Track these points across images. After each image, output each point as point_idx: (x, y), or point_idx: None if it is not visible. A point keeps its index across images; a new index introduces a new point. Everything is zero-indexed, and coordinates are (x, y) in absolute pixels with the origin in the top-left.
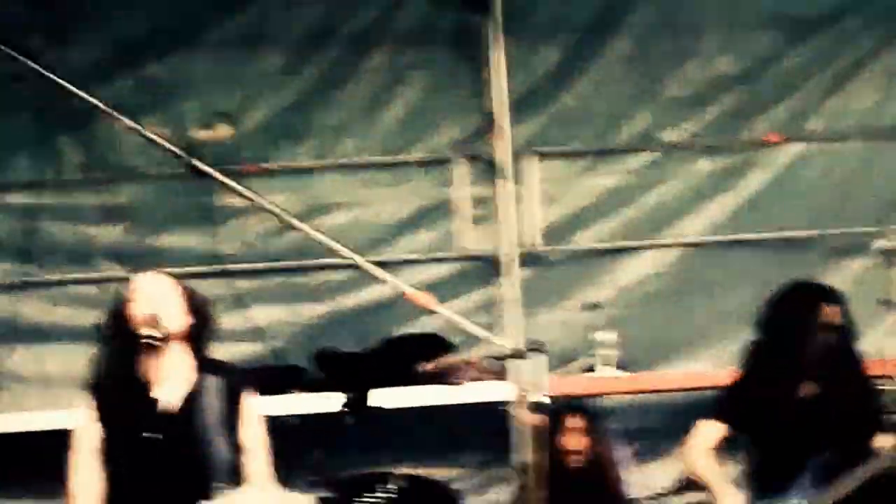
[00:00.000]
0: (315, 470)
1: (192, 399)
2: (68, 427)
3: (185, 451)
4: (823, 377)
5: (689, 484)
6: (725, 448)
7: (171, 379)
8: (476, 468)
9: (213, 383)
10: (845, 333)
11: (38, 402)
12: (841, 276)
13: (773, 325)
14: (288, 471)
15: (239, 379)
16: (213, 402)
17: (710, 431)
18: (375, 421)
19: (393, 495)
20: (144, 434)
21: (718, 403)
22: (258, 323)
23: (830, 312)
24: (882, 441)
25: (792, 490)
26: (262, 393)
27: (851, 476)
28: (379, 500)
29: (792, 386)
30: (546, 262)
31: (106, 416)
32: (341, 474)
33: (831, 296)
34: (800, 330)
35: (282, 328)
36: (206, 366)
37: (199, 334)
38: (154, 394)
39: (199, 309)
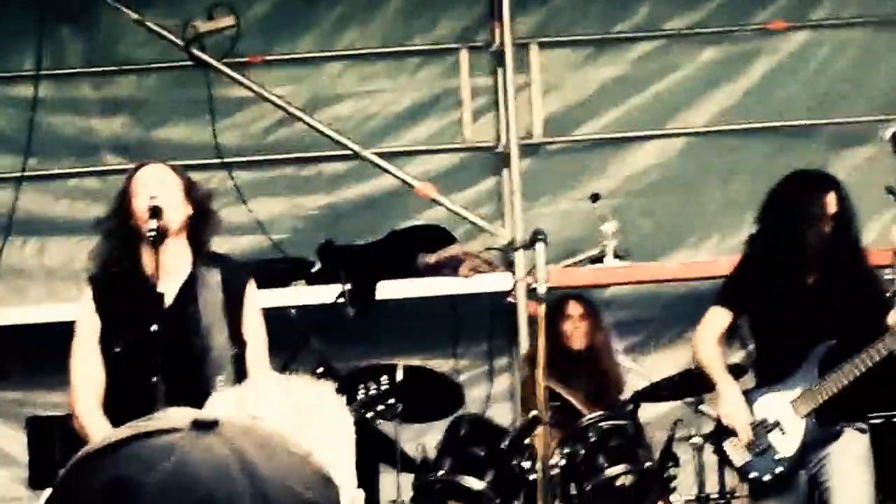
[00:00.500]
0: (317, 362)
1: (191, 291)
2: (70, 319)
3: (184, 341)
4: (826, 266)
5: (685, 378)
6: (732, 333)
7: (171, 271)
8: (478, 359)
9: (213, 275)
10: (847, 223)
11: (40, 295)
12: (847, 164)
13: (774, 213)
14: (290, 363)
15: (238, 271)
16: (212, 294)
17: (717, 318)
18: (378, 313)
19: (394, 387)
20: (145, 326)
21: (724, 289)
22: (261, 216)
23: (830, 201)
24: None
25: (797, 377)
26: (265, 285)
27: (854, 363)
28: (380, 392)
29: (794, 273)
30: (549, 153)
31: (106, 307)
32: (343, 367)
33: (831, 184)
34: (800, 218)
35: (284, 221)
36: (206, 258)
37: (199, 227)
38: (154, 286)
39: (200, 201)
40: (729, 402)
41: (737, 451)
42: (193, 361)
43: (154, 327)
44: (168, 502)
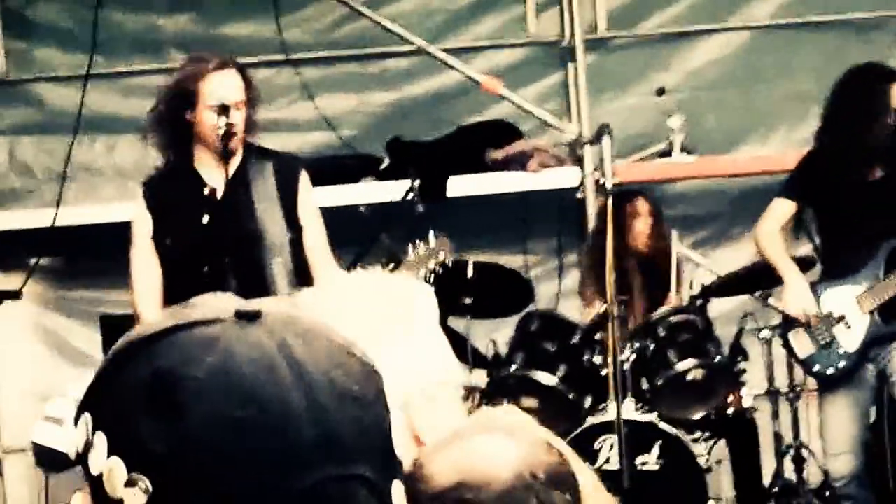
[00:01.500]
0: (387, 259)
1: (243, 181)
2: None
3: (238, 229)
4: (893, 160)
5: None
6: (798, 227)
7: (221, 164)
8: (548, 255)
9: (265, 166)
10: None
11: (110, 194)
12: None
13: (838, 107)
14: (360, 259)
15: (291, 161)
16: (265, 183)
17: (781, 209)
18: (447, 209)
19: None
20: (197, 218)
21: (790, 181)
22: (328, 113)
23: (894, 93)
24: None
25: (863, 272)
26: (334, 182)
27: None
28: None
29: (859, 168)
30: (613, 48)
31: (157, 205)
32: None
33: (894, 77)
34: (864, 111)
35: (351, 118)
36: (257, 152)
37: (249, 120)
38: (203, 179)
39: (252, 95)
40: (794, 291)
41: (801, 344)
42: (249, 248)
43: (206, 218)
44: (212, 396)
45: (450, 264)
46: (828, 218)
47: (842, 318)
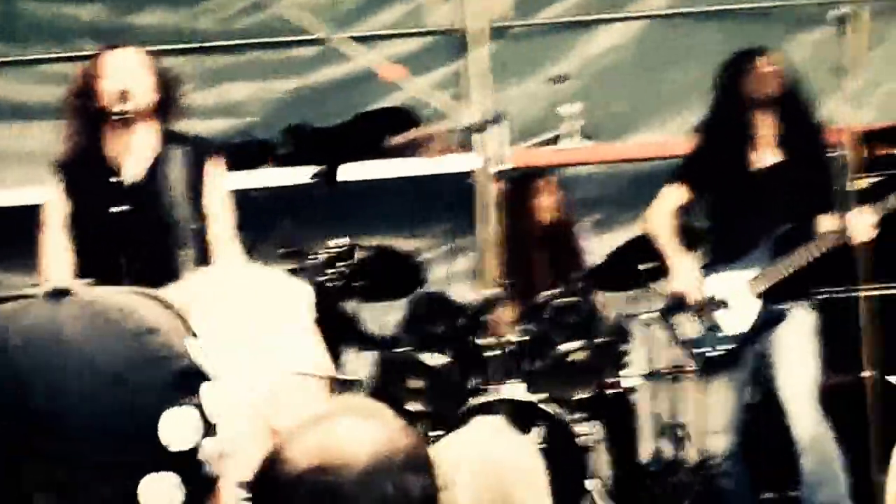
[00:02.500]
0: (283, 242)
1: (157, 170)
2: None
3: (148, 219)
4: (782, 147)
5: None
6: (689, 213)
7: (136, 153)
8: (441, 238)
9: (177, 153)
10: (801, 105)
11: (19, 178)
12: (801, 46)
13: (720, 94)
14: (257, 243)
15: (202, 147)
16: (176, 171)
17: (673, 194)
18: (345, 194)
19: (356, 264)
20: (109, 207)
21: (681, 167)
22: (231, 99)
23: (761, 62)
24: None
25: (752, 257)
26: (235, 168)
27: (808, 247)
28: (343, 269)
29: (746, 153)
30: (512, 36)
31: (73, 189)
32: (309, 246)
33: (763, 52)
34: (740, 95)
35: (254, 104)
36: (171, 138)
37: (165, 108)
38: (118, 167)
39: (166, 83)
40: (682, 274)
41: (686, 326)
42: (158, 238)
43: (118, 208)
44: (7, 368)
45: (357, 263)
46: (716, 204)
47: (728, 301)
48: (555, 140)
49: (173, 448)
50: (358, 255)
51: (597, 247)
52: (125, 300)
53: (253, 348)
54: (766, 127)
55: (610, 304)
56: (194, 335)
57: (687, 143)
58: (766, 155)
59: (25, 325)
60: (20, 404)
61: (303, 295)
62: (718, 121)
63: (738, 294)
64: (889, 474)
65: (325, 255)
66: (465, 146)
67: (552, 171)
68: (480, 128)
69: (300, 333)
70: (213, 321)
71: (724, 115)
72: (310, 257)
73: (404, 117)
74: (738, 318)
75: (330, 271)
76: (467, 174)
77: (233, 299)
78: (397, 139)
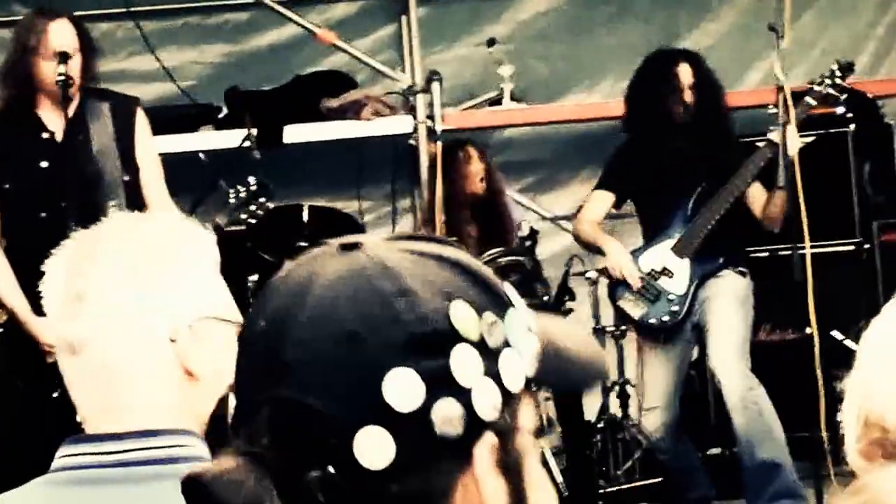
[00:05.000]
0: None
1: (81, 123)
2: None
3: (76, 172)
4: (692, 132)
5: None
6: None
7: (63, 109)
8: (381, 201)
9: (102, 107)
10: (707, 90)
11: None
12: (735, 7)
13: (636, 92)
14: (197, 206)
15: (127, 100)
16: (102, 124)
17: (598, 202)
18: (284, 157)
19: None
20: (35, 162)
21: (604, 174)
22: (168, 64)
23: (684, 71)
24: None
25: (672, 226)
26: (173, 131)
27: (721, 196)
28: (248, 192)
29: (661, 142)
30: (446, 1)
31: (1, 146)
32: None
33: (684, 57)
34: (661, 91)
35: (191, 69)
36: (94, 94)
37: (86, 65)
38: (44, 124)
39: (86, 40)
40: (614, 258)
41: (633, 306)
42: (87, 191)
43: (44, 163)
44: (322, 328)
45: (270, 206)
46: (641, 197)
47: (663, 269)
48: (490, 102)
49: (396, 406)
50: (302, 215)
51: (534, 207)
52: (398, 259)
53: (160, 292)
54: (676, 115)
55: (553, 262)
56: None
57: (618, 106)
58: (678, 140)
59: (295, 278)
60: (274, 349)
61: (208, 241)
62: (637, 116)
63: (672, 263)
64: (843, 412)
65: (237, 195)
66: (403, 108)
67: (482, 135)
68: (416, 90)
69: (208, 280)
70: (120, 266)
71: (642, 111)
72: (229, 197)
73: (341, 80)
74: (678, 281)
75: (248, 210)
76: (407, 136)
77: (137, 243)
78: (334, 102)
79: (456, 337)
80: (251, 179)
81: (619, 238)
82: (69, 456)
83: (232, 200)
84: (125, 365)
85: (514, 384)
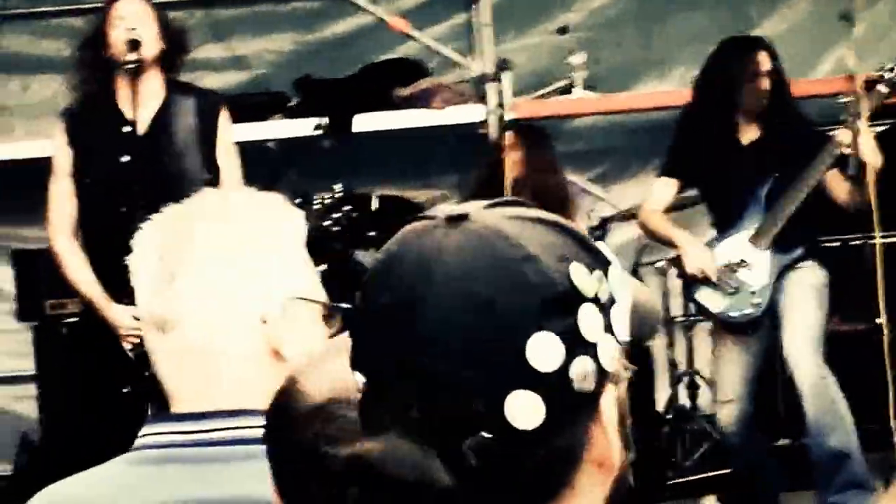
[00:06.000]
0: (294, 193)
1: (164, 119)
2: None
3: (157, 169)
4: (764, 122)
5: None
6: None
7: (144, 103)
8: (450, 189)
9: (186, 103)
10: (783, 82)
11: (23, 132)
12: None
13: (711, 76)
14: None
15: (211, 98)
16: (185, 121)
17: (662, 189)
18: (354, 145)
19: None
20: (116, 156)
21: (667, 160)
22: (239, 53)
23: (762, 59)
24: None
25: (747, 217)
26: (244, 119)
27: (797, 186)
28: (333, 199)
29: (732, 131)
30: None
31: (78, 139)
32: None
33: (761, 44)
34: (736, 78)
35: (262, 57)
36: (179, 88)
37: (172, 60)
38: (126, 117)
39: (173, 33)
40: (690, 253)
41: (712, 300)
42: (167, 188)
43: (126, 157)
44: (457, 299)
45: (354, 215)
46: (709, 185)
47: (741, 261)
48: (561, 91)
49: (540, 368)
50: (373, 205)
51: (606, 197)
52: (511, 226)
53: (253, 272)
54: (752, 103)
55: (623, 252)
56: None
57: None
58: (752, 129)
59: (413, 251)
60: (407, 322)
61: (296, 221)
62: (707, 100)
63: (749, 254)
64: None
65: (322, 202)
66: (474, 97)
67: (552, 124)
68: (487, 78)
69: (296, 260)
70: (214, 245)
71: (713, 95)
72: (314, 204)
73: (412, 69)
74: (759, 273)
75: (332, 217)
76: (477, 125)
77: (231, 222)
78: (405, 90)
79: (579, 296)
80: (337, 187)
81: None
82: (153, 434)
83: (316, 206)
84: (216, 344)
85: (623, 336)
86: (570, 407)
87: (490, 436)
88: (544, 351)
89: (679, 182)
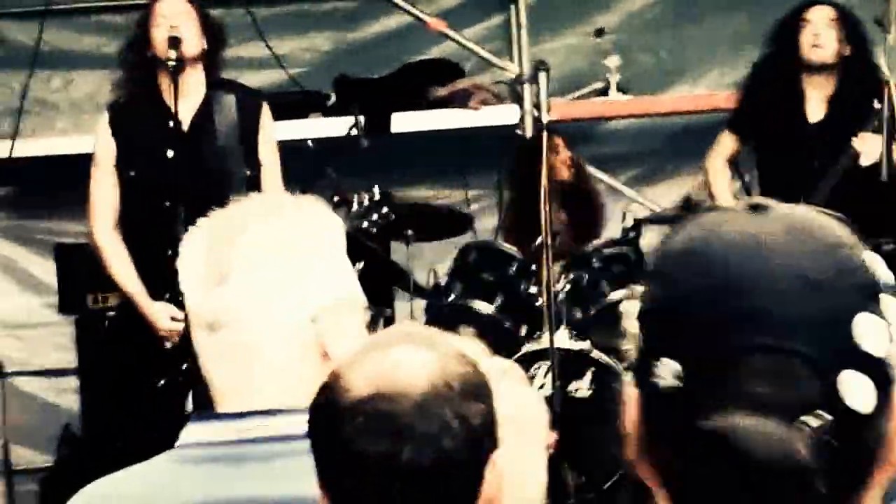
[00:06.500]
0: (332, 192)
1: (207, 116)
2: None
3: (200, 164)
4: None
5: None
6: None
7: (187, 99)
8: (487, 189)
9: (228, 100)
10: (861, 67)
11: (66, 127)
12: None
13: (774, 43)
14: (304, 191)
15: (253, 96)
16: (227, 118)
17: (725, 143)
18: (392, 144)
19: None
20: (161, 151)
21: (732, 115)
22: (278, 52)
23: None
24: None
25: (802, 193)
26: (282, 117)
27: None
28: (372, 202)
29: (799, 107)
30: None
31: (122, 132)
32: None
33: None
34: (794, 57)
35: (301, 56)
36: (221, 86)
37: (213, 57)
38: (170, 112)
39: (214, 31)
40: None
41: None
42: (209, 184)
43: (170, 153)
44: (790, 279)
45: (392, 217)
46: (767, 155)
47: None
48: (599, 93)
49: (873, 352)
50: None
51: (640, 199)
52: (817, 217)
53: (298, 272)
54: (819, 85)
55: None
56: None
57: (725, 98)
58: (817, 110)
59: (728, 235)
60: (732, 305)
61: (336, 224)
62: (768, 78)
63: None
64: None
65: (359, 206)
66: (510, 98)
67: (588, 126)
68: (522, 80)
69: (338, 262)
70: (262, 247)
71: (774, 74)
72: (352, 206)
73: (448, 69)
74: None
75: (369, 219)
76: (515, 126)
77: (278, 225)
78: (442, 90)
79: (877, 284)
80: (375, 189)
81: None
82: (195, 433)
83: (355, 208)
84: (265, 345)
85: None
86: (889, 394)
87: (828, 416)
88: (873, 334)
89: (737, 137)
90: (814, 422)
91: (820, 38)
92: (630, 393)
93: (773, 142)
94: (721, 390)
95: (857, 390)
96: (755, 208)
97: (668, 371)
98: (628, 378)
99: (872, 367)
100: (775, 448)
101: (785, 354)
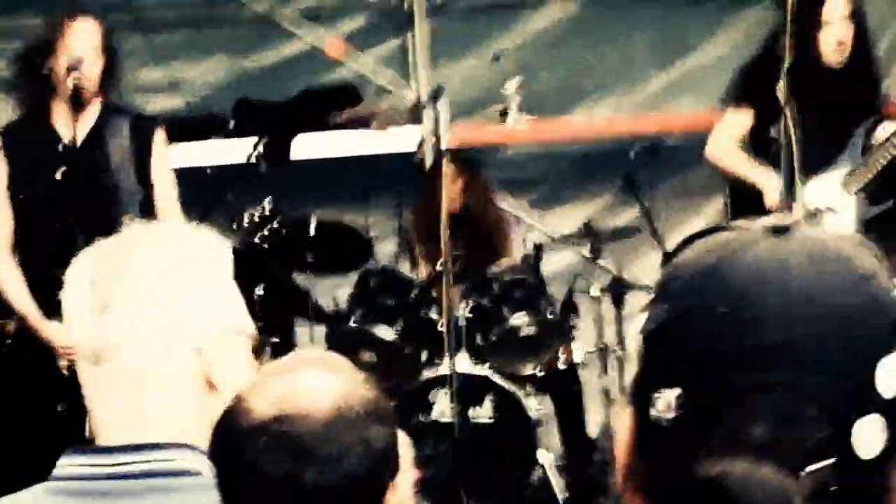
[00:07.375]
0: (231, 217)
1: (99, 136)
2: None
3: (92, 184)
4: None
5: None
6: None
7: (81, 120)
8: (387, 214)
9: (122, 122)
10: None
11: None
12: (736, 28)
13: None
14: (205, 218)
15: (147, 119)
16: (120, 139)
17: (734, 121)
18: (291, 169)
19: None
20: (51, 172)
21: (737, 88)
22: (176, 76)
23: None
24: None
25: (843, 158)
26: (182, 141)
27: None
28: (263, 216)
29: (817, 58)
30: (454, 13)
31: (14, 155)
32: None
33: None
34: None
35: (199, 81)
36: (115, 108)
37: (108, 78)
38: (61, 134)
39: (111, 54)
40: (774, 194)
41: None
42: (101, 203)
43: (58, 174)
44: (808, 309)
45: (284, 232)
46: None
47: (829, 208)
48: (504, 114)
49: (886, 395)
50: (309, 229)
51: (539, 224)
52: (844, 244)
53: (186, 303)
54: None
55: (557, 279)
56: None
57: (625, 123)
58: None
59: (746, 259)
60: (745, 338)
61: (224, 252)
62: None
63: (839, 196)
64: None
65: (249, 222)
66: (412, 122)
67: (488, 151)
68: (422, 104)
69: (226, 291)
70: (146, 276)
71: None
72: (242, 223)
73: (347, 94)
74: (844, 219)
75: (261, 233)
76: (412, 151)
77: (162, 253)
78: (343, 115)
79: None
80: (266, 203)
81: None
82: (69, 466)
83: (245, 224)
84: (149, 375)
85: None
86: None
87: (833, 461)
88: (891, 375)
89: (752, 110)
90: (815, 468)
91: (841, 37)
92: (623, 417)
93: (800, 98)
94: (721, 430)
95: (870, 439)
96: (777, 231)
97: (666, 405)
98: (623, 400)
99: (890, 411)
100: (772, 498)
101: (796, 394)
